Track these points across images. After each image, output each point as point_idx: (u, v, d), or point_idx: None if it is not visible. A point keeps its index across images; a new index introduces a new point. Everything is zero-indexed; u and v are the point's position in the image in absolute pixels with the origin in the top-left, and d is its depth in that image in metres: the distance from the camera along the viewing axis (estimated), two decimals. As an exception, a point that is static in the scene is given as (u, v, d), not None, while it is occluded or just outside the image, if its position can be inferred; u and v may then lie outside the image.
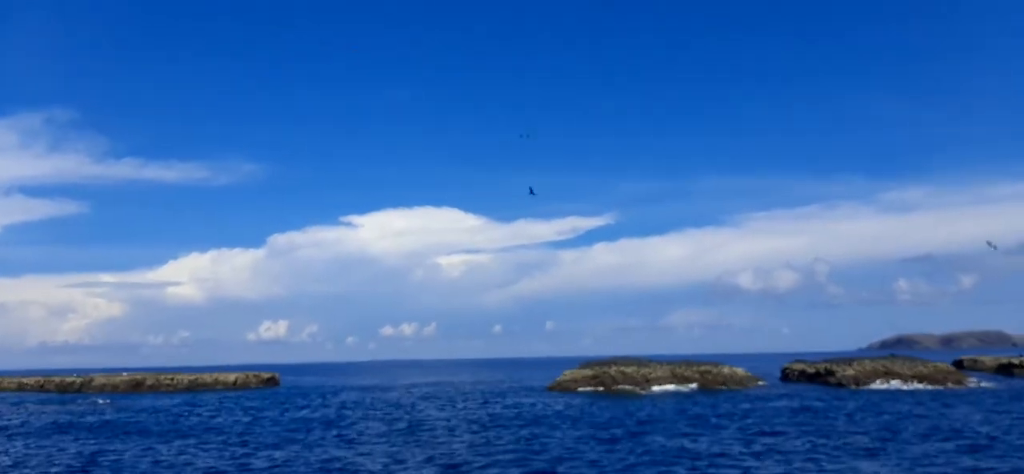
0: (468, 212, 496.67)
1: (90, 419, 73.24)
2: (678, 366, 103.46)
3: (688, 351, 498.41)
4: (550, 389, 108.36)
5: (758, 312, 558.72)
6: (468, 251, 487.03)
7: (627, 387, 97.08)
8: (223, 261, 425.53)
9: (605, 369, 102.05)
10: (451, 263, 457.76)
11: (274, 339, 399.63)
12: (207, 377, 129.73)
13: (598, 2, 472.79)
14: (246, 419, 68.71)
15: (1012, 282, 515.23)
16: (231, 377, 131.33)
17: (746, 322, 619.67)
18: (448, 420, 63.66)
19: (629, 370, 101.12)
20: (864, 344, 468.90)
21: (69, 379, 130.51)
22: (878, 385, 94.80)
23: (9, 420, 74.91)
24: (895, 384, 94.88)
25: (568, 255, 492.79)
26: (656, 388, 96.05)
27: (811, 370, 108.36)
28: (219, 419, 69.36)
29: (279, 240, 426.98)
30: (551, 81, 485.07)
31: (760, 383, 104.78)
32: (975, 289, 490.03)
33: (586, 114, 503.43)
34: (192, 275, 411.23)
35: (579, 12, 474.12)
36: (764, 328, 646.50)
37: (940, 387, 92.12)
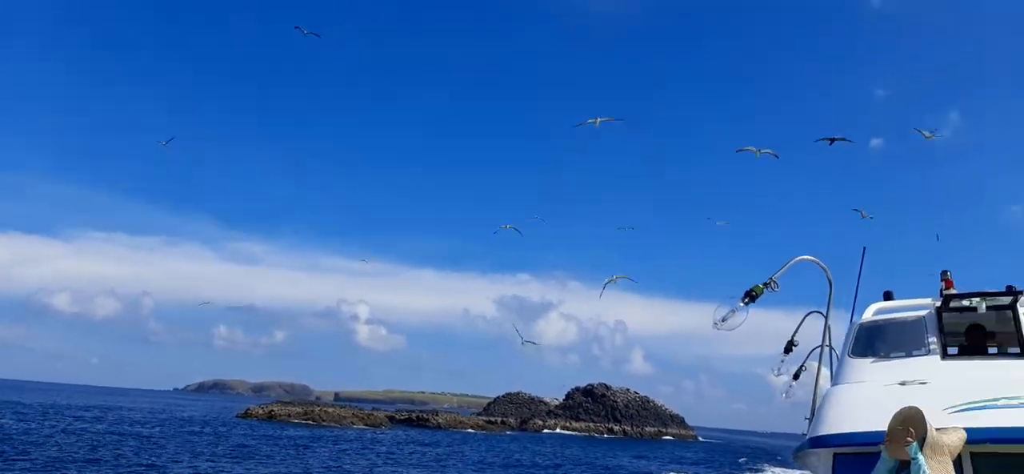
0: None
1: None
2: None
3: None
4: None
5: (68, 338, 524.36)
6: None
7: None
8: None
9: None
10: None
11: None
12: None
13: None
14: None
15: (316, 342, 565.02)
16: None
17: (54, 346, 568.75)
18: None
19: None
20: (181, 385, 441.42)
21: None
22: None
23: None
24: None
25: None
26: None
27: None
28: None
29: None
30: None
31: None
32: (285, 343, 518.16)
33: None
34: None
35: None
36: (73, 356, 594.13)
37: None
